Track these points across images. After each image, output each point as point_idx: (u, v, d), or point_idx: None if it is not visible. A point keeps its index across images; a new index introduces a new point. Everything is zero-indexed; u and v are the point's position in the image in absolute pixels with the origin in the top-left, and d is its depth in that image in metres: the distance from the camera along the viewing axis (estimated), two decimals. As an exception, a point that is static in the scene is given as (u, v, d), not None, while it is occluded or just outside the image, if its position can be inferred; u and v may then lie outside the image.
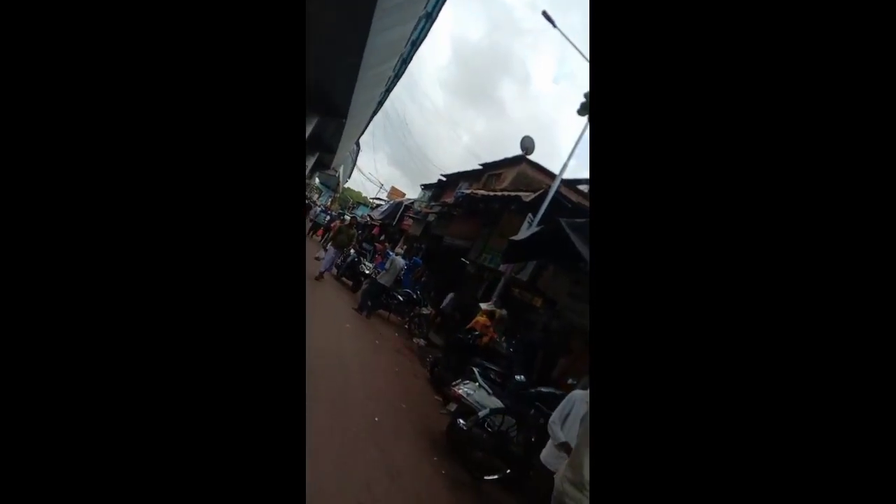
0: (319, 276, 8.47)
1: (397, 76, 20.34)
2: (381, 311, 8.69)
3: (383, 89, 20.20)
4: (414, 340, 8.11)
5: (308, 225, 17.81)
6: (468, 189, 14.16)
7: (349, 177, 66.26)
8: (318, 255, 10.36)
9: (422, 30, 14.19)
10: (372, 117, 27.08)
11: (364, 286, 9.12)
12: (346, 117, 18.79)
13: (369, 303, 8.06)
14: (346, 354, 5.28)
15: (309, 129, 19.04)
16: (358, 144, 46.27)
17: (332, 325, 6.19)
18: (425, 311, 8.66)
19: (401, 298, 8.59)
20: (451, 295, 8.98)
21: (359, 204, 50.24)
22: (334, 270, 9.82)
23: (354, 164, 57.44)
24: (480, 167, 15.90)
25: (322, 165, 42.53)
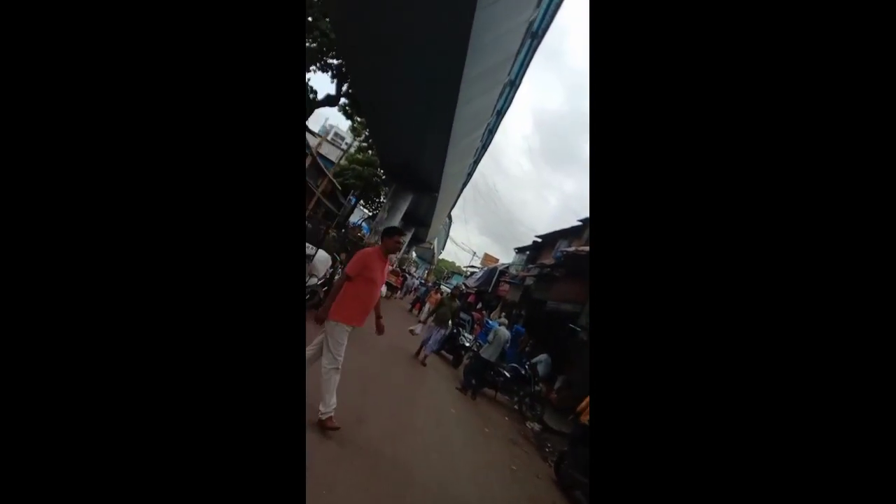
0: (423, 360, 7.73)
1: (484, 147, 21.02)
2: (486, 390, 7.83)
3: (472, 160, 20.85)
4: (528, 425, 7.05)
5: (400, 293, 17.95)
6: (569, 247, 13.20)
7: (443, 248, 69.08)
8: (415, 329, 9.93)
9: (506, 98, 14.58)
10: (462, 189, 28.32)
11: (466, 362, 8.49)
12: (438, 191, 19.60)
13: (473, 381, 7.31)
14: (454, 447, 4.51)
15: (405, 207, 20.13)
16: (450, 217, 48.51)
17: (435, 409, 5.53)
18: (537, 388, 7.64)
19: (508, 375, 7.69)
20: (544, 359, 7.96)
21: (453, 273, 51.25)
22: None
23: (447, 235, 59.81)
24: (580, 223, 14.93)
25: (418, 240, 44.92)
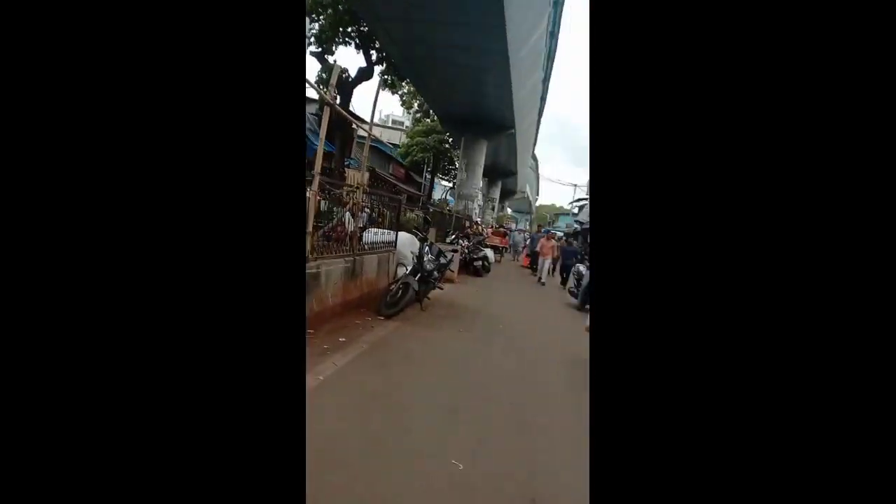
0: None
1: (550, 56, 17.79)
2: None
3: (541, 75, 17.76)
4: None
5: (510, 253, 15.92)
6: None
7: (538, 194, 65.18)
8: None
9: (554, 20, 11.69)
10: (540, 117, 25.17)
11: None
12: (513, 126, 17.06)
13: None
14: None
15: (482, 159, 17.89)
16: (535, 158, 44.87)
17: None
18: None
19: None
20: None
21: (557, 216, 47.67)
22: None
23: (538, 179, 55.87)
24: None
25: (510, 192, 42.38)
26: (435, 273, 5.11)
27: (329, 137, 16.53)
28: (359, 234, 5.09)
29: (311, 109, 16.96)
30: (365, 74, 14.99)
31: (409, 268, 5.32)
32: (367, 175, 5.30)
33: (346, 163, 16.94)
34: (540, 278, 10.01)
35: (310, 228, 3.71)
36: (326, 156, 15.74)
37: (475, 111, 14.94)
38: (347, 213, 5.01)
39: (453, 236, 9.91)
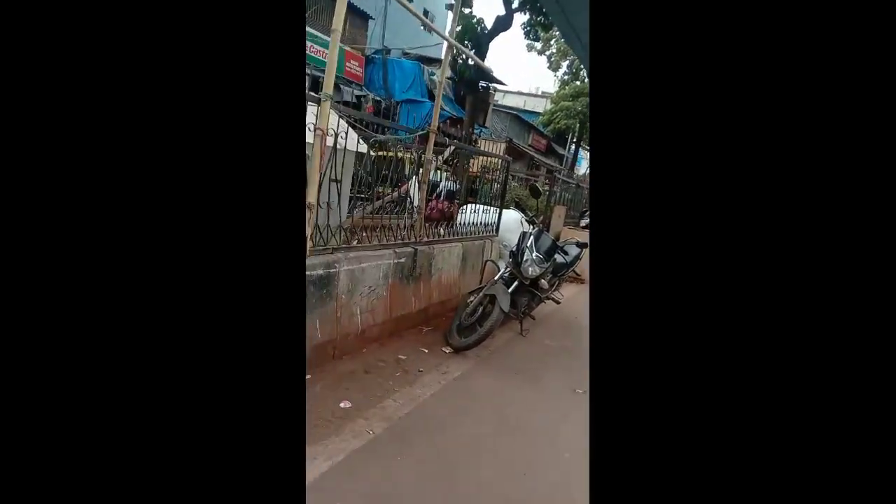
0: None
1: None
2: None
3: None
4: None
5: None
6: None
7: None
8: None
9: None
10: None
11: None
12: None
13: None
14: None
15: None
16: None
17: None
18: None
19: None
20: None
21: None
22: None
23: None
24: None
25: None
26: (544, 280, 3.13)
27: (460, 101, 14.92)
28: (427, 210, 3.39)
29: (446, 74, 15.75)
30: (502, 24, 12.90)
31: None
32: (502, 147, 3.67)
33: (477, 131, 15.37)
34: None
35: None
36: (453, 121, 14.40)
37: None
38: (414, 180, 3.34)
39: (588, 220, 7.56)
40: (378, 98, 11.75)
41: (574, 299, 5.00)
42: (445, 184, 4.82)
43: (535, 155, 19.64)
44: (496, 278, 3.12)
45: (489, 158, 4.77)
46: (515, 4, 12.95)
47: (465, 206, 4.30)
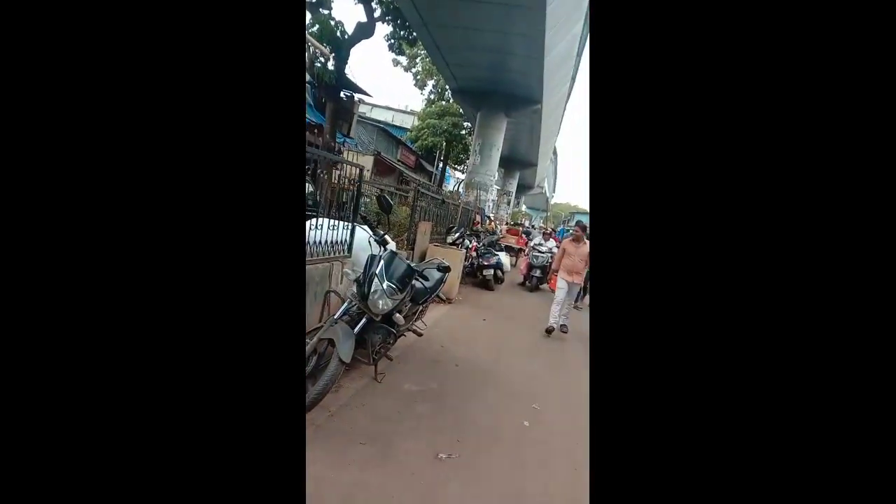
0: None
1: (581, 44, 15.02)
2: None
3: (572, 64, 15.04)
4: None
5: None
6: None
7: (554, 191, 61.98)
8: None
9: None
10: (566, 105, 22.39)
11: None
12: (540, 101, 14.26)
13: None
14: None
15: (499, 139, 14.97)
16: (555, 152, 41.89)
17: None
18: None
19: None
20: None
21: (573, 214, 44.82)
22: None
23: (556, 175, 52.71)
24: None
25: (526, 187, 39.48)
26: (399, 314, 2.52)
27: (320, 108, 13.78)
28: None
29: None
30: (363, 31, 12.36)
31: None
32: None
33: (340, 139, 14.41)
34: (550, 327, 4.79)
35: None
36: (310, 128, 13.25)
37: (496, 77, 12.28)
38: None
39: (457, 234, 7.33)
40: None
41: (439, 324, 4.51)
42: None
43: (405, 170, 19.42)
44: (336, 315, 2.40)
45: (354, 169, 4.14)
46: (377, 14, 12.57)
47: (312, 221, 3.51)
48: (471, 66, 12.12)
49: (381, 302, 2.36)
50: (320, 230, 3.36)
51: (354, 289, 2.46)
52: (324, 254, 3.45)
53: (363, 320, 2.41)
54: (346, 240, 3.74)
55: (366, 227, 3.00)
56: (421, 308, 3.14)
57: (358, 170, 3.87)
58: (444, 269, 2.80)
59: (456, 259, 5.96)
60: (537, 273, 8.16)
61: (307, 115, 12.94)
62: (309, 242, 3.34)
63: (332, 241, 3.52)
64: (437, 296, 3.34)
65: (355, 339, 2.35)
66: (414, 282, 2.65)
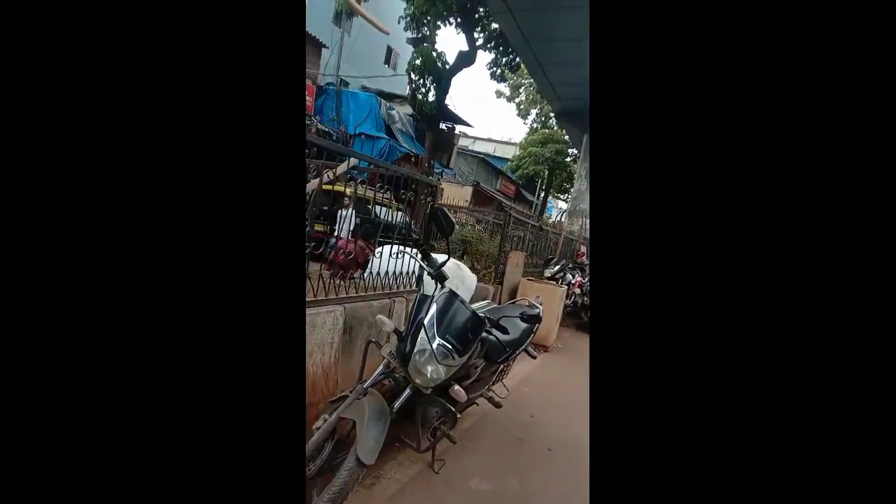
0: None
1: None
2: None
3: None
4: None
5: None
6: None
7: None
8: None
9: None
10: None
11: None
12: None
13: None
14: None
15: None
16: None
17: None
18: None
19: None
20: None
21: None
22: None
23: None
24: None
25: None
26: (458, 384, 1.70)
27: (420, 139, 13.96)
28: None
29: (406, 111, 14.93)
30: (465, 60, 12.27)
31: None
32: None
33: (439, 171, 14.34)
34: None
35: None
36: (408, 159, 13.35)
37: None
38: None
39: (557, 267, 6.31)
40: (325, 129, 10.57)
41: (529, 381, 3.57)
42: (349, 212, 3.46)
43: (504, 200, 18.83)
44: (368, 382, 1.67)
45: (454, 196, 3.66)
46: (479, 41, 12.43)
47: (382, 248, 2.96)
48: (576, 83, 11.19)
49: (429, 368, 1.58)
50: (393, 258, 2.77)
51: (393, 345, 1.73)
52: (388, 288, 2.84)
53: (407, 391, 1.66)
54: (413, 270, 3.09)
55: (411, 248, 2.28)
56: (500, 368, 2.30)
57: (426, 185, 3.23)
58: (532, 320, 1.94)
59: (555, 297, 4.97)
60: None
61: (408, 147, 13.11)
62: (375, 273, 2.79)
63: (396, 272, 2.90)
64: (528, 349, 2.47)
65: (397, 414, 1.61)
66: (487, 334, 1.85)
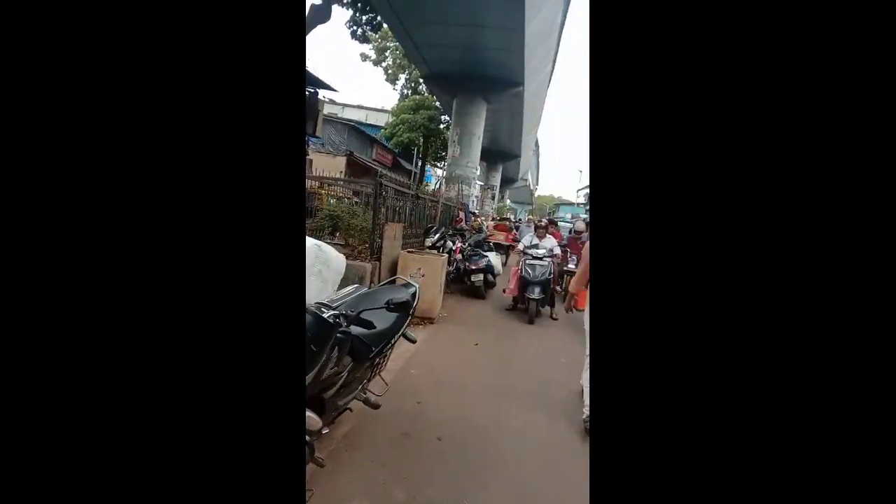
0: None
1: (563, 18, 14.00)
2: None
3: (554, 41, 14.02)
4: None
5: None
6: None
7: (538, 183, 61.07)
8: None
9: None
10: (547, 90, 21.31)
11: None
12: (522, 82, 13.07)
13: None
14: None
15: (479, 126, 13.72)
16: (537, 143, 40.89)
17: None
18: None
19: None
20: None
21: (559, 205, 43.98)
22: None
23: (538, 166, 51.77)
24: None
25: (510, 180, 38.41)
26: (326, 393, 1.34)
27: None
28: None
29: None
30: (319, 16, 11.09)
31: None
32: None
33: (306, 141, 13.09)
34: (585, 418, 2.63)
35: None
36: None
37: (472, 57, 11.13)
38: None
39: (437, 235, 6.15)
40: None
41: (416, 358, 3.32)
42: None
43: (381, 170, 18.19)
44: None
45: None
46: (336, -7, 11.31)
47: None
48: (443, 45, 10.93)
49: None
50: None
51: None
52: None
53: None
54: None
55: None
56: (374, 364, 1.97)
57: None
58: (401, 308, 1.61)
59: (437, 267, 4.78)
60: (536, 292, 5.09)
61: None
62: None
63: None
64: (405, 336, 2.16)
65: None
66: (343, 336, 1.49)
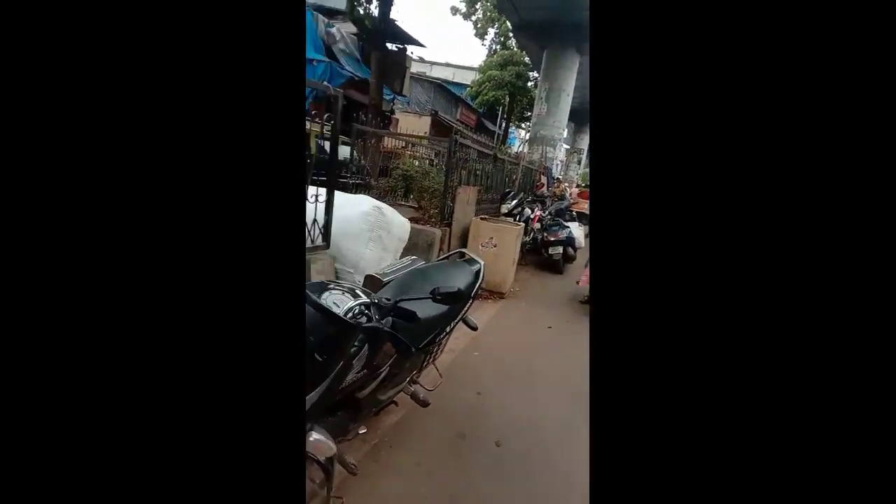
0: None
1: None
2: None
3: None
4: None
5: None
6: None
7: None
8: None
9: None
10: None
11: None
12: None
13: None
14: None
15: (571, 82, 12.51)
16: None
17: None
18: None
19: None
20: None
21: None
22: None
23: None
24: None
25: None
26: (360, 392, 1.05)
27: (366, 61, 12.32)
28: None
29: (349, 29, 13.04)
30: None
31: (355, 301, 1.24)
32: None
33: (390, 97, 12.88)
34: None
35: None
36: (353, 84, 11.81)
37: (566, 2, 9.95)
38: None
39: (514, 202, 5.64)
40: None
41: (480, 339, 2.99)
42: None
43: (464, 130, 17.68)
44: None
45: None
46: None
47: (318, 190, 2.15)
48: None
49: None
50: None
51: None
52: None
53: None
54: (319, 218, 2.30)
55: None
56: (427, 353, 1.65)
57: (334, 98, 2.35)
58: (449, 299, 1.23)
59: (511, 237, 4.33)
60: None
61: (353, 70, 11.56)
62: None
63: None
64: (465, 322, 1.82)
65: None
66: (374, 333, 1.16)
